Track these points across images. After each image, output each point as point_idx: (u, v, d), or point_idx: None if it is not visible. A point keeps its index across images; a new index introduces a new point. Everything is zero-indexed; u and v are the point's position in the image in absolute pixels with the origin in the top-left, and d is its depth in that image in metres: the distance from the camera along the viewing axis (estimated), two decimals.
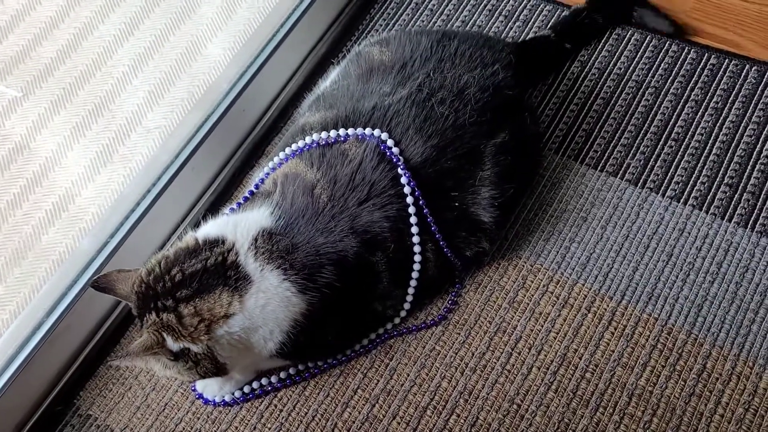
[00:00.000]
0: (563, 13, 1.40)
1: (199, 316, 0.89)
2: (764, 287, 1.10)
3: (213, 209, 1.24)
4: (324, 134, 1.02)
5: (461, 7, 1.44)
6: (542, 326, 1.10)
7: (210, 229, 0.97)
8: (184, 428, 1.06)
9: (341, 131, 1.02)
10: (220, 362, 0.92)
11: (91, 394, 1.10)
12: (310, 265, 0.94)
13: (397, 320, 1.10)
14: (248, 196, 1.06)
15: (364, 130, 1.01)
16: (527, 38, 1.36)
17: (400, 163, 1.00)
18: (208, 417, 1.06)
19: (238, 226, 0.96)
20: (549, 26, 1.37)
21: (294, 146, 1.04)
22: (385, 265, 0.99)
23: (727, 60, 1.32)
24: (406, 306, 1.08)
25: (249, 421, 1.05)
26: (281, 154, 1.06)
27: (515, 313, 1.11)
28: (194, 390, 1.07)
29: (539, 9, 1.41)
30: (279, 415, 1.06)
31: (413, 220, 1.00)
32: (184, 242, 0.96)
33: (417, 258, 1.03)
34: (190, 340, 0.89)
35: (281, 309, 0.93)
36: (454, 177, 1.03)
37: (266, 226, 0.96)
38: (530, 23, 1.40)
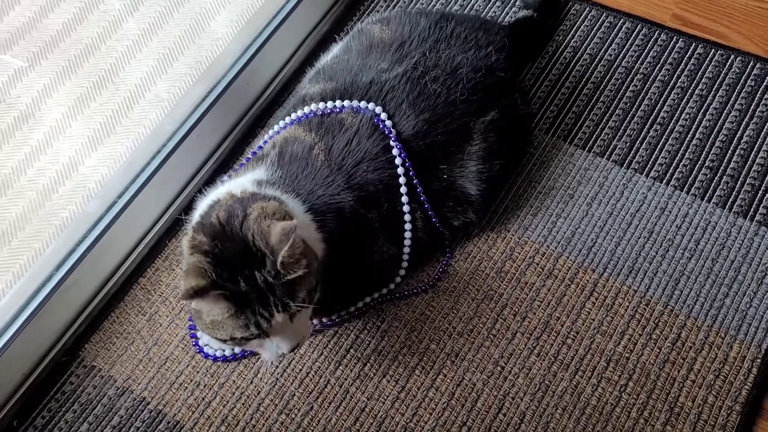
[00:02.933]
0: (574, 7, 1.44)
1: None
2: (738, 264, 1.16)
3: (215, 177, 1.28)
4: (322, 105, 1.07)
5: None
6: (527, 295, 1.16)
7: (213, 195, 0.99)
8: (184, 381, 1.11)
9: (338, 103, 1.07)
10: None
11: (95, 346, 1.15)
12: (315, 211, 0.98)
13: (392, 285, 1.15)
14: (246, 162, 1.11)
15: (360, 103, 1.06)
16: (513, 20, 1.40)
17: (392, 135, 1.05)
18: (207, 371, 1.12)
19: (221, 195, 0.97)
20: (524, 6, 1.41)
21: (293, 115, 1.10)
22: (380, 223, 1.04)
23: (713, 50, 1.38)
24: (401, 272, 1.14)
25: (246, 375, 1.11)
26: (281, 122, 1.11)
27: (502, 282, 1.17)
28: (195, 344, 1.13)
29: None
30: (275, 371, 1.11)
31: (403, 189, 1.06)
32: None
33: (408, 226, 1.08)
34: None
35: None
36: (444, 150, 1.08)
37: (264, 178, 1.00)
38: (522, 7, 1.45)
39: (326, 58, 1.24)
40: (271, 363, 1.11)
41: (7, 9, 1.48)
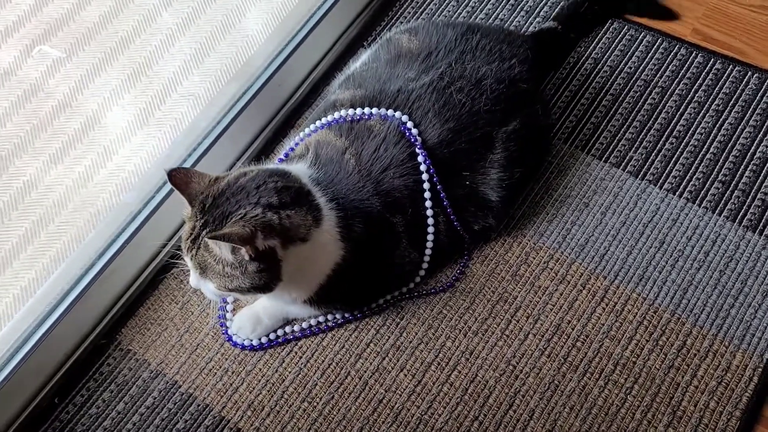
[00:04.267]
0: (562, 3, 1.50)
1: (293, 226, 0.98)
2: (745, 276, 1.21)
3: None
4: (351, 111, 1.13)
5: (485, 0, 1.53)
6: (540, 298, 1.21)
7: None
8: (213, 367, 1.18)
9: (367, 110, 1.13)
10: (280, 277, 1.00)
11: (131, 331, 1.22)
12: (348, 216, 1.04)
13: (411, 284, 1.21)
14: (283, 158, 1.17)
15: (387, 111, 1.12)
16: (537, 30, 1.45)
17: (417, 143, 1.10)
18: (235, 358, 1.18)
19: (292, 169, 1.06)
20: (551, 18, 1.46)
21: (324, 119, 1.15)
22: (404, 228, 1.10)
23: (731, 66, 1.42)
24: (421, 273, 1.20)
25: (271, 364, 1.18)
26: (312, 126, 1.17)
27: (516, 285, 1.22)
28: (225, 333, 1.19)
29: (559, 6, 1.51)
30: (299, 360, 1.18)
31: (427, 194, 1.11)
32: (251, 173, 1.02)
33: (430, 229, 1.14)
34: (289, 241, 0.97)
35: (330, 252, 1.04)
36: (467, 158, 1.14)
37: (312, 174, 1.06)
38: (550, 20, 1.49)
39: (355, 65, 1.29)
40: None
41: (47, 1, 1.53)
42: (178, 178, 1.00)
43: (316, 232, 1.01)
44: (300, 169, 1.07)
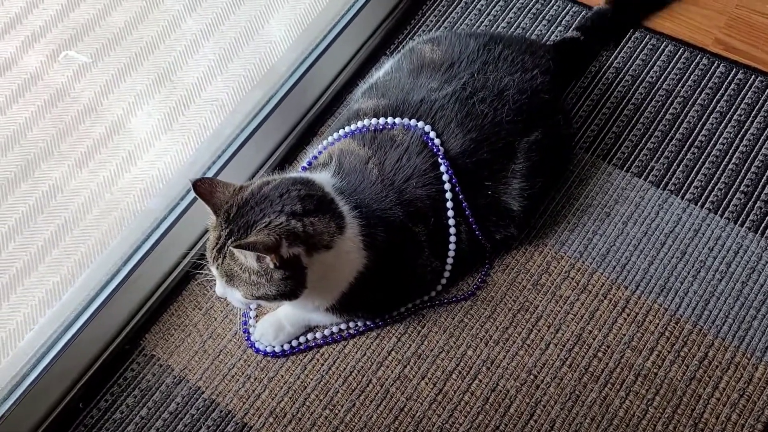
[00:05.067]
0: (585, 14, 1.49)
1: (317, 233, 0.99)
2: None
3: None
4: (375, 120, 1.14)
5: (507, 9, 1.54)
6: (561, 308, 1.21)
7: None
8: (236, 373, 1.19)
9: (390, 119, 1.14)
10: (305, 285, 1.01)
11: (155, 337, 1.23)
12: (370, 224, 1.05)
13: (433, 293, 1.22)
14: (306, 166, 1.18)
15: (410, 120, 1.13)
16: (559, 39, 1.45)
17: (440, 153, 1.11)
18: (257, 365, 1.19)
19: (315, 178, 1.07)
20: (574, 27, 1.46)
21: (347, 128, 1.16)
22: (426, 237, 1.11)
23: (753, 76, 1.41)
24: (443, 281, 1.20)
25: (293, 371, 1.19)
26: (335, 134, 1.18)
27: (538, 294, 1.23)
28: (248, 339, 1.20)
29: (581, 16, 1.51)
30: (320, 368, 1.19)
31: (449, 204, 1.12)
32: (274, 181, 1.03)
33: (452, 238, 1.15)
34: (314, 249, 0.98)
35: (353, 260, 1.05)
36: (489, 168, 1.14)
37: (335, 183, 1.07)
38: (572, 29, 1.49)
39: (378, 74, 1.30)
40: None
41: (73, 6, 1.55)
42: (203, 188, 1.02)
43: (340, 240, 1.02)
44: (323, 178, 1.08)
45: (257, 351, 1.20)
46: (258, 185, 1.02)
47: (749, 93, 1.40)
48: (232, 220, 0.99)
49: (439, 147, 1.11)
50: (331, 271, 1.04)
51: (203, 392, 1.18)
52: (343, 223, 1.03)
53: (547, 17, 1.52)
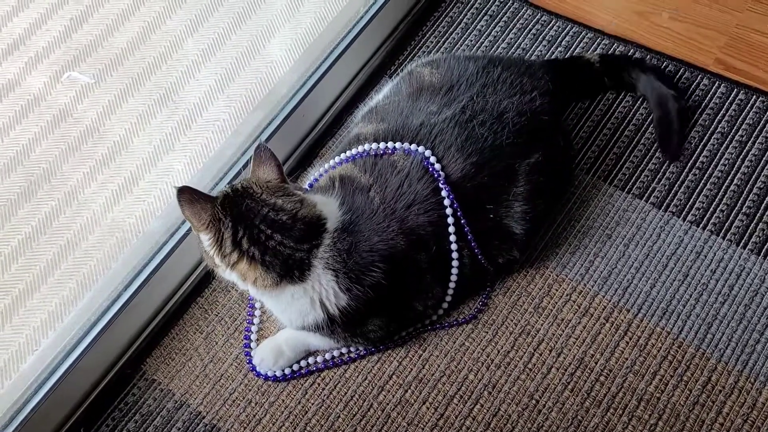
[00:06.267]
0: (618, 48, 1.48)
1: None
2: None
3: None
4: (375, 145, 1.14)
5: (507, 30, 1.54)
6: (563, 331, 1.21)
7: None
8: (237, 397, 1.19)
9: (390, 144, 1.14)
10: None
11: (156, 361, 1.23)
12: (361, 266, 1.04)
13: (434, 317, 1.21)
14: (307, 188, 1.18)
15: (410, 145, 1.13)
16: (570, 56, 1.44)
17: (441, 178, 1.11)
18: (258, 389, 1.19)
19: (326, 205, 1.07)
20: (600, 53, 1.45)
21: (348, 152, 1.16)
22: (428, 264, 1.11)
23: (754, 96, 1.41)
24: (444, 305, 1.20)
25: (294, 395, 1.18)
26: (336, 158, 1.18)
27: (539, 317, 1.22)
28: (249, 363, 1.20)
29: (580, 36, 1.51)
30: (321, 392, 1.18)
31: (451, 229, 1.12)
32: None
33: (455, 263, 1.14)
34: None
35: (316, 301, 1.06)
36: (490, 192, 1.14)
37: (339, 224, 1.06)
38: (572, 49, 1.50)
39: (378, 98, 1.30)
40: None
41: (75, 27, 1.57)
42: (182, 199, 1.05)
43: (292, 290, 1.05)
44: (331, 209, 1.07)
45: (258, 375, 1.19)
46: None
47: (750, 113, 1.40)
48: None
49: (440, 172, 1.11)
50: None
51: (204, 417, 1.18)
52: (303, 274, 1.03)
53: (547, 38, 1.52)
